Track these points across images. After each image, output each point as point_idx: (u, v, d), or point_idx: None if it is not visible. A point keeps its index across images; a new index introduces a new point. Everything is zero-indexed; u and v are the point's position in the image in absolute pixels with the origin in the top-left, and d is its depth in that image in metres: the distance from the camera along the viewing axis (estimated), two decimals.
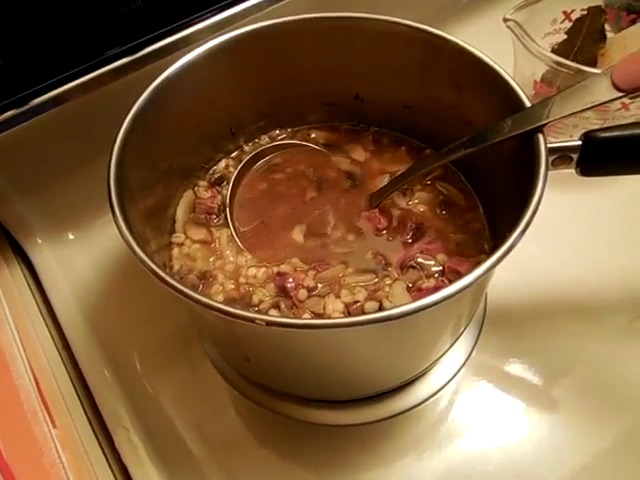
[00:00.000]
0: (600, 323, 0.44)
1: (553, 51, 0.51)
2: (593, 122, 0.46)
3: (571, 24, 0.51)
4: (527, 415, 0.40)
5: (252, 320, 0.25)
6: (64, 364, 0.44)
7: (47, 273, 0.48)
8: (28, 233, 0.49)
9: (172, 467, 0.38)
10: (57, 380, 0.42)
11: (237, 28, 0.40)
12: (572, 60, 0.48)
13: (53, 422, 0.37)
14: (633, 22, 0.50)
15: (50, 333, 0.45)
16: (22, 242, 0.49)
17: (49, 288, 0.47)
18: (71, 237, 0.50)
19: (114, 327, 0.45)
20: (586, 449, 0.38)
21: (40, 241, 0.49)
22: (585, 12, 0.51)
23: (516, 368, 0.42)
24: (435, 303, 0.26)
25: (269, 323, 0.25)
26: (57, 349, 0.45)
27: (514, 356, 0.42)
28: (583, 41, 0.50)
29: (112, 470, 0.38)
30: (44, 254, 0.49)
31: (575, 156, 0.32)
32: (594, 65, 0.49)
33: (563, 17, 0.52)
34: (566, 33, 0.51)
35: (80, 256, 0.49)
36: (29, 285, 0.48)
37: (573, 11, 0.51)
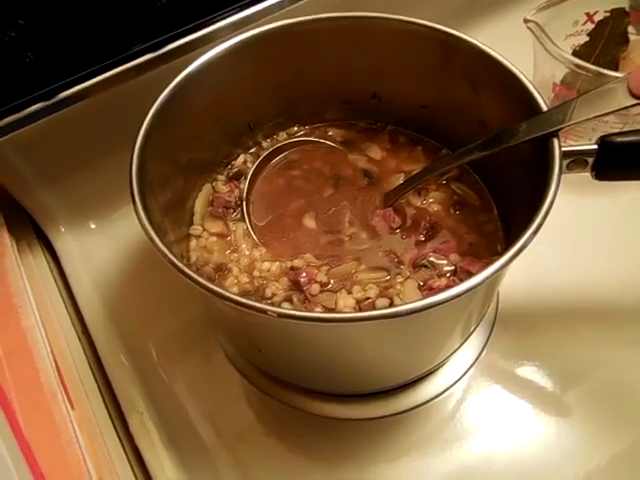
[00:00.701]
0: (613, 329, 0.43)
1: (574, 53, 0.51)
2: (612, 126, 0.46)
3: (593, 26, 0.51)
4: (534, 417, 0.40)
5: (264, 311, 0.26)
6: (83, 349, 0.45)
7: (69, 260, 0.49)
8: (52, 221, 0.50)
9: (183, 452, 0.39)
10: (76, 364, 0.43)
11: (258, 26, 0.41)
12: (593, 62, 0.48)
13: (71, 404, 0.39)
14: None
15: (71, 319, 0.47)
16: (46, 230, 0.50)
17: (71, 275, 0.49)
18: (93, 226, 0.52)
19: (132, 315, 0.46)
20: (592, 456, 0.38)
21: (63, 229, 0.51)
22: (608, 14, 0.50)
23: (526, 370, 0.42)
24: (444, 301, 0.27)
25: (280, 315, 0.26)
26: (77, 334, 0.46)
27: (524, 358, 0.42)
28: (605, 43, 0.50)
29: (125, 452, 0.40)
30: (67, 242, 0.50)
31: (591, 160, 0.32)
32: (616, 68, 0.49)
33: (585, 19, 0.51)
34: (588, 35, 0.51)
35: (101, 245, 0.51)
36: (52, 272, 0.50)
37: (596, 13, 0.51)
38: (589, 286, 0.45)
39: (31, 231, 0.51)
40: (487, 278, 0.28)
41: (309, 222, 0.42)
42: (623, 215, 0.48)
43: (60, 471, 0.33)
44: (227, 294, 0.26)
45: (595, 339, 0.43)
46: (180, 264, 0.28)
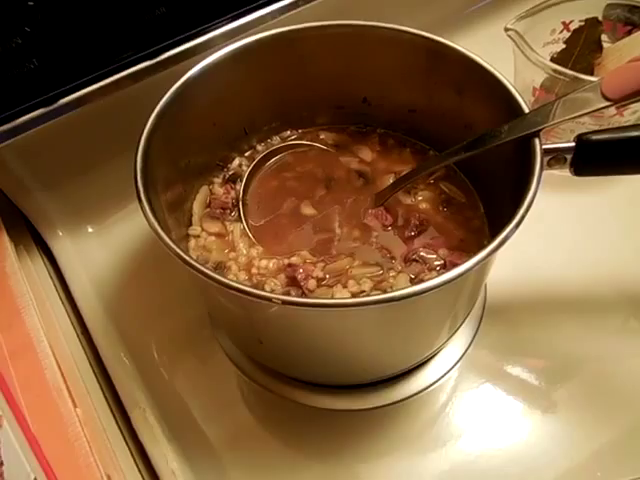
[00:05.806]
0: (597, 322, 0.45)
1: (552, 60, 0.53)
2: (588, 127, 0.48)
3: (570, 34, 0.54)
4: (520, 413, 0.41)
5: (269, 299, 0.27)
6: (84, 349, 0.46)
7: (67, 264, 0.50)
8: (50, 226, 0.51)
9: (185, 444, 0.40)
10: (77, 364, 0.44)
11: (252, 35, 0.43)
12: (570, 68, 0.51)
13: (74, 402, 0.40)
14: (629, 33, 0.53)
15: (70, 320, 0.48)
16: (44, 234, 0.51)
17: (69, 278, 0.49)
18: (90, 230, 0.52)
19: (131, 316, 0.47)
20: (579, 452, 0.39)
21: (61, 233, 0.51)
22: (583, 23, 0.53)
23: (512, 365, 0.43)
24: (435, 287, 0.28)
25: (285, 302, 0.27)
26: (77, 335, 0.47)
27: (511, 353, 0.44)
28: (581, 50, 0.52)
29: (129, 447, 0.40)
30: (64, 246, 0.51)
31: (569, 157, 0.35)
32: (591, 73, 0.52)
33: (562, 27, 0.54)
34: (565, 43, 0.54)
35: (98, 248, 0.51)
36: (50, 275, 0.51)
37: (572, 22, 0.54)
38: (575, 282, 0.47)
39: (28, 235, 0.52)
40: (474, 266, 0.29)
41: (307, 210, 0.43)
42: (609, 211, 0.50)
43: (68, 464, 0.34)
44: (233, 283, 0.28)
45: (582, 334, 0.44)
46: (186, 256, 0.29)
